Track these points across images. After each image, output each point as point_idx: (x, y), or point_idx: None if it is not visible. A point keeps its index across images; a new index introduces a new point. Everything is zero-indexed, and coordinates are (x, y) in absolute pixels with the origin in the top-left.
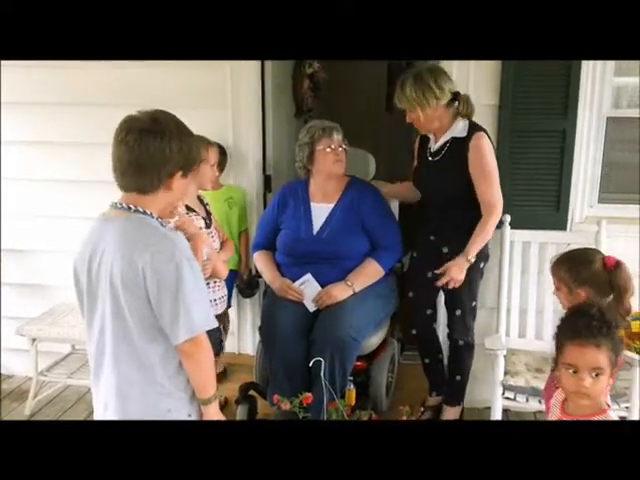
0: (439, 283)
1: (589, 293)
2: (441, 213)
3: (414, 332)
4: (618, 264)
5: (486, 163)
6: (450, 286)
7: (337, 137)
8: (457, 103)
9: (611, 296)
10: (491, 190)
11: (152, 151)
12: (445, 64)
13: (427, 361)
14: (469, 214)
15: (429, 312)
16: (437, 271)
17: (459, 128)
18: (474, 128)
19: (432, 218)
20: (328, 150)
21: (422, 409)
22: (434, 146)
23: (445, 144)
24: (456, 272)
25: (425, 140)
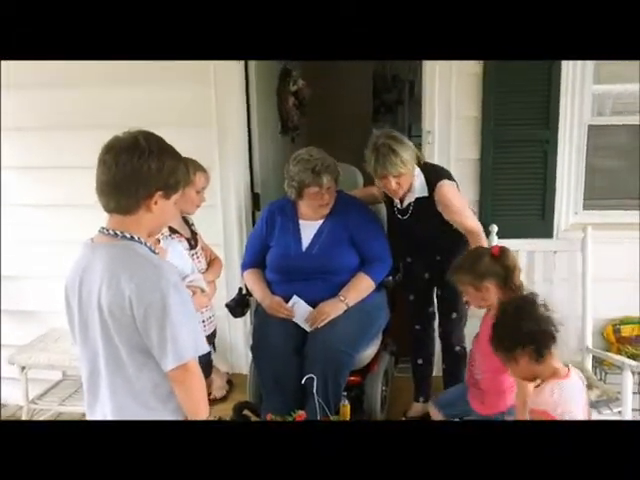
0: None
1: (493, 282)
2: (430, 246)
3: (418, 327)
4: (502, 250)
5: (455, 203)
6: None
7: (327, 179)
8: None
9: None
10: (466, 219)
11: (129, 169)
12: (428, 76)
13: (420, 362)
14: (457, 236)
15: (430, 310)
16: None
17: (418, 187)
18: (432, 181)
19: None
20: (316, 193)
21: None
22: (399, 205)
23: (409, 205)
24: None
25: (389, 196)
